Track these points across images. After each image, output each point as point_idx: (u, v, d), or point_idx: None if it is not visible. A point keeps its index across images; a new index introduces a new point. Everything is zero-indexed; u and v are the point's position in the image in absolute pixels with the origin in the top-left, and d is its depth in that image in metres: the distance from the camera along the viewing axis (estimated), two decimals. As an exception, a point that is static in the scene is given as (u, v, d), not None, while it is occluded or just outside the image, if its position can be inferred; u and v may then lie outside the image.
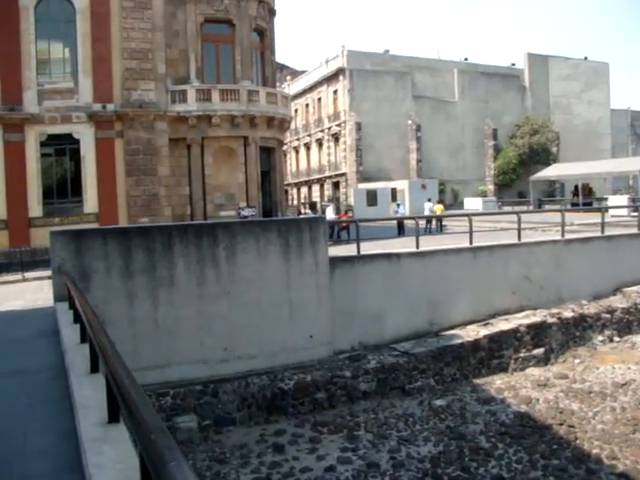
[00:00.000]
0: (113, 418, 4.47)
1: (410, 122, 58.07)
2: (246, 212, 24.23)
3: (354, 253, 16.03)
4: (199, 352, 13.58)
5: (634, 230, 22.65)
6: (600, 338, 18.22)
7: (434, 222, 28.10)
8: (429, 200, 33.55)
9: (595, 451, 11.57)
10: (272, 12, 29.30)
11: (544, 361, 16.67)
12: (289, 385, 13.69)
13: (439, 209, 34.91)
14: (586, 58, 72.82)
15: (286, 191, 54.35)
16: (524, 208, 45.30)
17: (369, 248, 16.75)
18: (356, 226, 17.08)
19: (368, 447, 11.95)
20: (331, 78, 58.46)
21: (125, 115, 24.37)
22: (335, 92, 58.34)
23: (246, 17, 26.85)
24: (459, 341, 15.70)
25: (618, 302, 19.59)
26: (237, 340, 13.93)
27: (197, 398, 13.02)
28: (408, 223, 24.06)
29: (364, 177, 54.65)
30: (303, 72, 69.25)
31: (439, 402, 14.13)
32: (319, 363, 14.56)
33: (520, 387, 14.95)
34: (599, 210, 26.86)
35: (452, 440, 12.13)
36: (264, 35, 28.74)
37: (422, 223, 26.46)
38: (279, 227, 14.85)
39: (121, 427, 4.34)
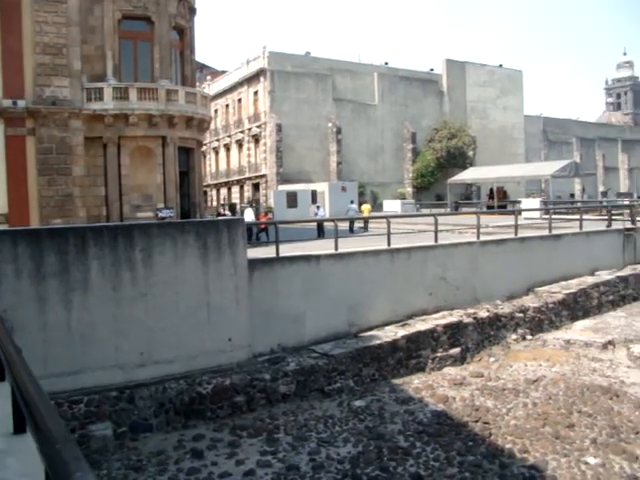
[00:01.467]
0: (19, 429, 4.26)
1: (330, 124, 58.44)
2: (164, 213, 23.75)
3: (274, 255, 15.95)
4: (114, 357, 13.21)
5: (545, 232, 23.51)
6: (514, 337, 18.78)
7: (356, 223, 28.42)
8: (352, 202, 34.02)
9: (508, 446, 11.88)
10: (192, 10, 28.85)
11: (460, 360, 17.04)
12: (207, 389, 13.48)
13: (367, 209, 35.58)
14: (501, 65, 75.15)
15: (205, 192, 53.81)
16: (441, 210, 46.28)
17: (289, 250, 16.73)
18: (275, 228, 17.01)
19: (288, 450, 11.89)
20: (252, 79, 58.21)
21: (37, 112, 23.42)
22: (256, 93, 58.12)
23: (165, 15, 26.31)
24: (378, 342, 15.86)
25: (530, 302, 20.27)
26: (154, 344, 13.63)
27: (112, 404, 12.65)
28: (329, 225, 24.15)
29: (284, 179, 54.66)
30: (224, 72, 68.74)
31: (358, 403, 14.22)
32: (238, 366, 14.42)
33: (437, 386, 15.21)
34: (513, 213, 27.70)
35: (371, 440, 12.21)
36: (184, 34, 28.25)
37: (346, 225, 26.72)
38: (197, 229, 14.63)
39: (27, 438, 4.13)
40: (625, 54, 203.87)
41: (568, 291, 21.21)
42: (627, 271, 24.60)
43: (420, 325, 16.98)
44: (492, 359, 17.31)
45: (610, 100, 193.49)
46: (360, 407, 13.99)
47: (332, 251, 16.90)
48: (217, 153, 66.73)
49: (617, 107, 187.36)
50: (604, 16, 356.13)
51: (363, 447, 11.93)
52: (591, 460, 11.16)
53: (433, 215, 20.95)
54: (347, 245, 17.97)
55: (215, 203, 63.98)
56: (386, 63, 67.23)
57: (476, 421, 13.05)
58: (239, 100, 61.42)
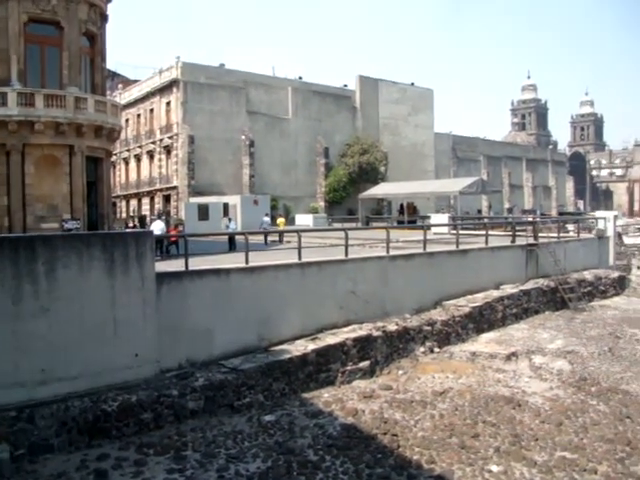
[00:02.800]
0: None
1: (244, 137, 58.41)
2: (70, 225, 22.96)
3: (183, 269, 15.70)
4: (14, 375, 12.60)
5: (453, 247, 24.14)
6: (422, 349, 19.14)
7: (270, 237, 28.47)
8: (267, 215, 34.13)
9: (416, 457, 12.06)
10: (104, 17, 28.11)
11: (370, 373, 17.21)
12: (113, 406, 13.05)
13: (281, 222, 35.83)
14: (413, 84, 77.03)
15: (114, 203, 52.51)
16: (353, 225, 46.81)
17: (199, 263, 16.49)
18: (185, 241, 16.75)
19: (196, 467, 11.66)
20: (164, 89, 57.48)
21: None
22: (168, 104, 57.42)
23: (75, 20, 25.50)
24: (288, 356, 15.81)
25: (438, 315, 20.74)
26: (57, 361, 13.10)
27: (10, 425, 12.03)
28: (253, 239, 23.96)
29: (196, 191, 54.16)
30: (136, 81, 67.40)
31: (268, 417, 14.13)
32: (145, 382, 14.04)
33: (347, 399, 15.30)
34: (422, 228, 28.32)
35: (281, 455, 12.13)
36: (95, 40, 27.47)
37: (261, 238, 26.66)
38: (104, 241, 14.20)
39: None
40: (529, 77, 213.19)
41: (474, 305, 21.84)
42: (530, 285, 25.57)
43: (330, 339, 17.06)
44: (401, 372, 17.58)
45: (515, 120, 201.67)
46: (270, 422, 13.89)
47: (243, 265, 16.78)
48: (127, 163, 65.37)
49: (522, 127, 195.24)
50: (509, 39, 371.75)
51: (272, 462, 11.83)
52: (494, 468, 11.50)
53: (344, 229, 21.14)
54: (259, 259, 17.88)
55: (124, 215, 62.56)
56: (300, 77, 67.75)
57: (385, 433, 13.19)
58: (151, 110, 60.46)
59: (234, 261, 17.41)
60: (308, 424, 13.81)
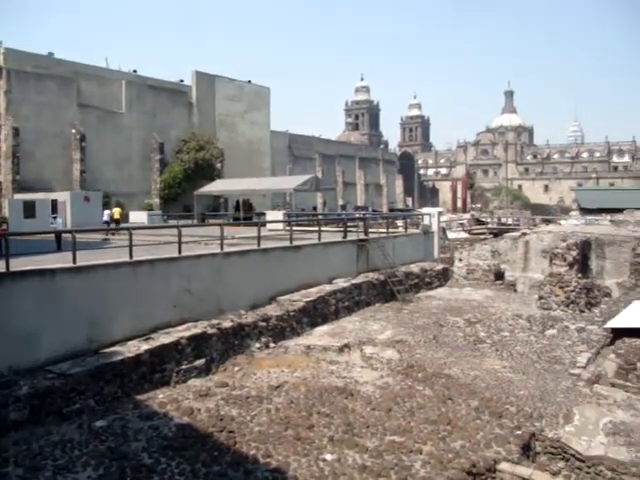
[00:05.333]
0: None
1: (74, 131, 55.80)
2: None
3: (3, 270, 14.70)
4: None
5: (287, 243, 24.52)
6: (257, 345, 19.27)
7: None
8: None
9: (252, 452, 12.11)
10: None
11: (205, 371, 17.06)
12: None
13: (117, 211, 34.75)
14: (250, 81, 77.20)
15: None
16: (189, 222, 46.28)
17: (25, 264, 15.47)
18: (5, 240, 15.70)
19: (18, 483, 10.97)
20: (-15, 78, 53.45)
21: None
22: (-10, 94, 53.50)
23: None
24: (120, 358, 15.28)
25: (273, 310, 20.96)
26: None
27: None
28: (83, 237, 22.77)
29: (22, 187, 50.95)
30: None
31: (99, 423, 13.57)
32: (-39, 394, 13.03)
33: (183, 399, 15.07)
34: (256, 224, 28.52)
35: (113, 461, 11.70)
36: None
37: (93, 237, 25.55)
38: None
39: None
40: (363, 79, 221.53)
41: (308, 299, 22.30)
42: (360, 279, 26.54)
43: (164, 338, 16.70)
44: (237, 368, 17.58)
45: (349, 120, 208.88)
46: (102, 427, 13.35)
47: (70, 264, 16.00)
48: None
49: (355, 127, 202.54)
50: (347, 41, 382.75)
51: (105, 469, 11.38)
52: (328, 457, 11.80)
53: (177, 227, 20.81)
54: (89, 258, 17.14)
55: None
56: (135, 71, 65.68)
57: (221, 431, 13.12)
58: (-31, 100, 56.10)
59: (63, 261, 16.55)
60: (142, 427, 13.44)
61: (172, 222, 46.05)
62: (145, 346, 16.06)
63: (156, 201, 62.55)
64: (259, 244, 22.72)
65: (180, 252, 19.08)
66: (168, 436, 12.92)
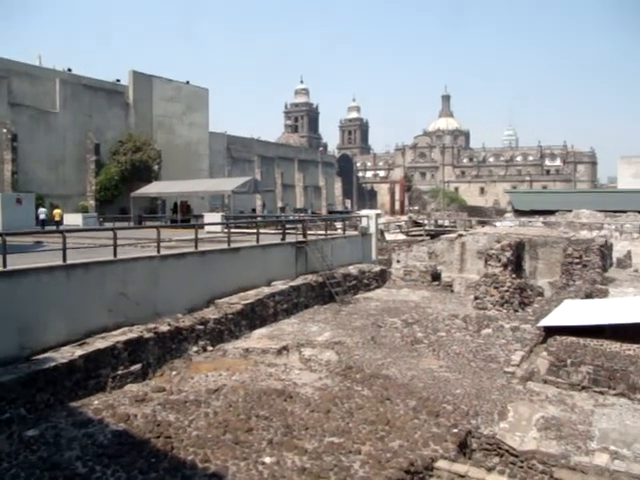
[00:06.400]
0: None
1: (5, 131, 54.28)
2: None
3: None
4: None
5: (225, 245, 24.37)
6: (195, 349, 19.07)
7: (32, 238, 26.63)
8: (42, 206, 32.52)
9: (190, 457, 11.98)
10: None
11: (142, 376, 16.78)
12: None
13: (58, 213, 34.10)
14: (188, 82, 76.43)
15: None
16: (126, 224, 45.53)
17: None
18: None
19: (-61, 502, 10.57)
20: None
21: None
22: None
23: None
24: (53, 364, 14.88)
25: (211, 314, 20.78)
26: None
27: None
28: (14, 241, 22.10)
29: (-52, 189, 49.30)
30: None
31: (30, 432, 13.17)
32: None
33: (119, 405, 14.79)
34: (194, 227, 28.26)
35: (45, 472, 11.37)
36: None
37: (24, 240, 24.73)
38: None
39: None
40: (302, 82, 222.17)
41: (246, 302, 22.18)
42: (299, 281, 26.55)
43: (99, 343, 16.36)
44: (174, 372, 17.37)
45: (289, 122, 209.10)
46: (33, 437, 12.96)
47: None
48: None
49: (295, 129, 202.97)
50: (285, 44, 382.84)
51: (35, 480, 11.11)
52: (267, 460, 11.76)
53: (112, 229, 20.44)
54: (20, 262, 16.68)
55: None
56: (69, 70, 64.25)
57: (158, 436, 12.93)
58: None
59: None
60: (76, 435, 13.13)
61: (108, 224, 45.16)
62: (79, 351, 15.71)
63: (92, 203, 61.33)
64: (197, 247, 22.52)
65: (115, 255, 18.75)
66: (103, 443, 12.66)
